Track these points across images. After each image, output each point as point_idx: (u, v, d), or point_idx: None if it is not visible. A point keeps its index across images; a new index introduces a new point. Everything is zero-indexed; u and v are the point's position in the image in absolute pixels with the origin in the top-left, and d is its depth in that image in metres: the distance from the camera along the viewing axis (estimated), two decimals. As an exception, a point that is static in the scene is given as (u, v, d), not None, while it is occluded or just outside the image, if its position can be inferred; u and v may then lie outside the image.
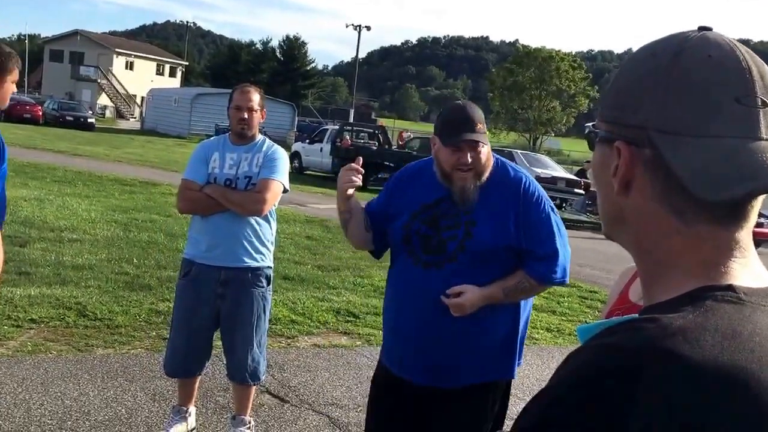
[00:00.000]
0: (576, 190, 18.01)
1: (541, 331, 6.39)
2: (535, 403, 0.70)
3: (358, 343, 5.54)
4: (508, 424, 2.28)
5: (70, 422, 3.59)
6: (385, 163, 19.40)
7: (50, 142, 22.64)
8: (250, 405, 3.65)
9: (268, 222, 3.49)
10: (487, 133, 2.39)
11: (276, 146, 3.53)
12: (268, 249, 3.49)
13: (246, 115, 3.39)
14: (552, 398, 0.68)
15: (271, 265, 3.55)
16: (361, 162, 2.47)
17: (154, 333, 5.14)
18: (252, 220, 3.39)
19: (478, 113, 2.35)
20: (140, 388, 4.13)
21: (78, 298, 5.66)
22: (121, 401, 3.92)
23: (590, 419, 0.63)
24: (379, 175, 18.70)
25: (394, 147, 24.14)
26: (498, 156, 2.47)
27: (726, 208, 0.73)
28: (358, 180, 2.41)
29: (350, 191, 2.43)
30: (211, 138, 3.73)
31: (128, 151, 23.63)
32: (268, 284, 3.51)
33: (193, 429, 3.74)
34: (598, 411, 0.63)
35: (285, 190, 3.48)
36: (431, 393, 2.39)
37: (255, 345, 3.46)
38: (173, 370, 3.59)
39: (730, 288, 0.71)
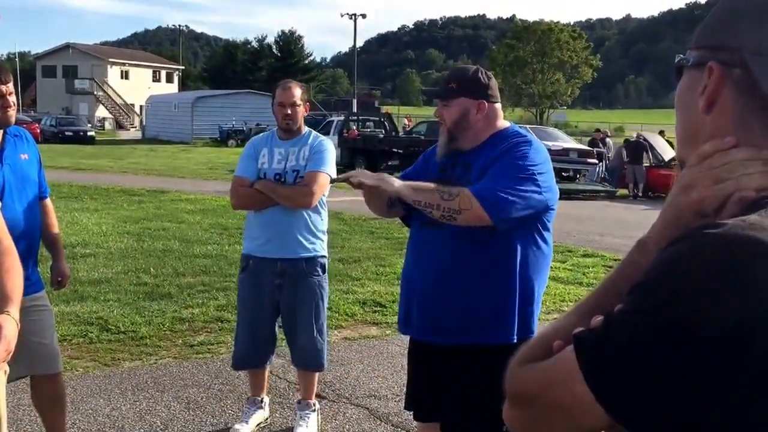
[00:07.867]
0: (589, 160, 17.79)
1: (570, 304, 6.25)
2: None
3: (387, 332, 5.42)
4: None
5: (104, 440, 3.49)
6: (394, 150, 19.20)
7: (51, 159, 22.38)
8: (315, 389, 3.75)
9: (319, 212, 3.58)
10: (497, 97, 2.38)
11: (322, 138, 3.62)
12: (320, 239, 3.58)
13: (290, 111, 3.49)
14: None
15: (325, 254, 3.63)
16: None
17: (180, 341, 5.03)
18: (303, 211, 3.48)
19: (458, 73, 2.39)
20: (173, 397, 4.02)
21: (98, 312, 5.55)
22: (154, 413, 3.82)
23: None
24: (389, 163, 18.52)
25: (401, 133, 23.98)
26: (515, 126, 2.45)
27: None
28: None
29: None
30: (260, 135, 3.84)
31: (132, 161, 23.57)
32: (324, 272, 3.61)
33: (269, 417, 3.79)
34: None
35: (333, 181, 3.58)
36: (436, 350, 2.41)
37: (315, 332, 3.56)
38: (240, 362, 3.71)
39: None
